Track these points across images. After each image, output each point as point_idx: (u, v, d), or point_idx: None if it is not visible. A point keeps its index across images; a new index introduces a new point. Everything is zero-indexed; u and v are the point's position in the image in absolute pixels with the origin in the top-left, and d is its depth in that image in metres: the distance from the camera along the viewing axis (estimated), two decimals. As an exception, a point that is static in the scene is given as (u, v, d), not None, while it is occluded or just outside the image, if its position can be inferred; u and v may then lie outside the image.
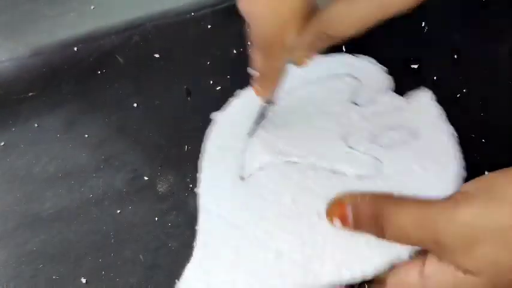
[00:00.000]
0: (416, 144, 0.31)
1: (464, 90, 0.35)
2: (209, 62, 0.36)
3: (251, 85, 0.30)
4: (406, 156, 0.31)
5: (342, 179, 0.31)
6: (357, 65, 0.35)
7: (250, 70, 0.30)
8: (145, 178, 0.34)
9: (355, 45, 0.36)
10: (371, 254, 0.28)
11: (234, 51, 0.37)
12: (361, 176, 0.31)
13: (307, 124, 0.32)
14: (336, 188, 0.30)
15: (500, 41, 0.36)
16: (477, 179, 0.27)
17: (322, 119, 0.33)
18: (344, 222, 0.28)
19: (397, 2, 0.21)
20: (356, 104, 0.33)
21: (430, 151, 0.31)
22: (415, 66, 0.36)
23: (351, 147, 0.32)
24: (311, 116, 0.33)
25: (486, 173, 0.30)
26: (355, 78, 0.34)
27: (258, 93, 0.30)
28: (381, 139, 0.32)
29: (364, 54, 0.36)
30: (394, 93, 0.33)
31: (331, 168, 0.31)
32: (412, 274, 0.26)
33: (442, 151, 0.31)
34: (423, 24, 0.36)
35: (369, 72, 0.34)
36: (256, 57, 0.28)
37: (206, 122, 0.34)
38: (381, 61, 0.35)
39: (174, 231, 0.33)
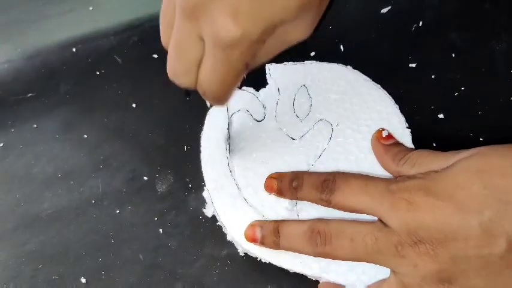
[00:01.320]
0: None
1: (462, 89, 0.35)
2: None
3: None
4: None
5: None
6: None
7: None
8: (145, 178, 0.34)
9: (353, 45, 0.36)
10: None
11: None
12: None
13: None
14: None
15: (497, 39, 0.36)
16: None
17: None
18: (254, 241, 0.30)
19: (296, 36, 0.23)
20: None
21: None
22: (413, 65, 0.36)
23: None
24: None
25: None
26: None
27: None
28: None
29: (363, 53, 0.36)
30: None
31: None
32: None
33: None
34: (421, 24, 0.37)
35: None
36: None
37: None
38: (379, 60, 0.36)
39: (174, 231, 0.33)
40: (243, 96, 0.34)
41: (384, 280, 0.27)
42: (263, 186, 0.31)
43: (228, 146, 0.33)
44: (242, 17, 0.20)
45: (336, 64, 0.34)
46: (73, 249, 0.33)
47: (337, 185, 0.28)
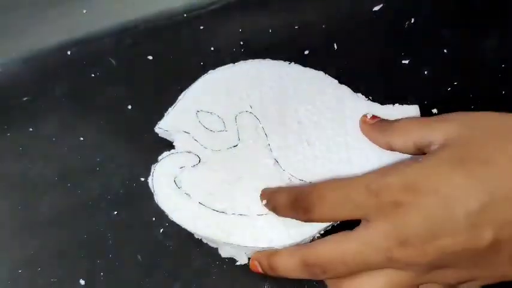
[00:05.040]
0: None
1: (454, 84, 0.35)
2: (202, 63, 0.36)
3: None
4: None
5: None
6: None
7: None
8: (141, 179, 0.34)
9: (346, 43, 0.36)
10: None
11: (227, 52, 0.37)
12: None
13: None
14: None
15: (489, 35, 0.36)
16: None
17: None
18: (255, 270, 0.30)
19: None
20: None
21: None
22: (406, 62, 0.36)
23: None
24: None
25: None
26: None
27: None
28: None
29: (356, 50, 0.36)
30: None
31: None
32: None
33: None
34: (413, 20, 0.37)
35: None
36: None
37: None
38: (372, 57, 0.36)
39: (172, 231, 0.33)
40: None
41: (371, 273, 0.26)
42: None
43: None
44: None
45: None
46: (71, 252, 0.33)
47: (311, 203, 0.27)
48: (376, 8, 0.37)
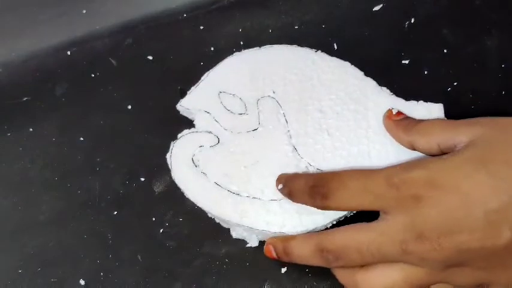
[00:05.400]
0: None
1: (454, 84, 0.35)
2: (202, 62, 0.36)
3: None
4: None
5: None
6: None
7: None
8: (142, 179, 0.34)
9: (346, 43, 0.36)
10: None
11: (227, 52, 0.37)
12: None
13: None
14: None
15: (488, 35, 0.36)
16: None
17: None
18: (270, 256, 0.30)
19: None
20: None
21: None
22: (406, 62, 0.36)
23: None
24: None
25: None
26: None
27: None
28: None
29: (356, 50, 0.36)
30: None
31: None
32: None
33: None
34: (413, 20, 0.37)
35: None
36: None
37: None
38: (372, 57, 0.36)
39: (172, 231, 0.33)
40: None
41: (386, 266, 0.26)
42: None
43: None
44: None
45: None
46: (71, 252, 0.33)
47: (331, 189, 0.27)
48: (376, 8, 0.37)
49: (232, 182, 0.31)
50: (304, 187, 0.28)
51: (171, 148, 0.32)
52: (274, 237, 0.30)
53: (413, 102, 0.32)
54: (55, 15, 0.39)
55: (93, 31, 0.38)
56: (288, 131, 0.32)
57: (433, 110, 0.31)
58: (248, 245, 0.32)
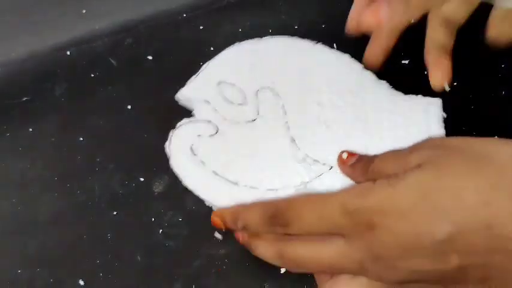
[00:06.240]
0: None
1: (454, 84, 0.35)
2: (202, 62, 0.36)
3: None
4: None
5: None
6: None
7: None
8: (141, 179, 0.34)
9: (346, 43, 0.36)
10: None
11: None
12: None
13: None
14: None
15: (489, 35, 0.36)
16: None
17: None
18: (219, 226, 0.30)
19: None
20: None
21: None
22: (406, 62, 0.36)
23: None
24: None
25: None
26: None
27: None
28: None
29: (356, 50, 0.36)
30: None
31: None
32: None
33: None
34: (412, 20, 0.37)
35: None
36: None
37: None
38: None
39: (171, 231, 0.33)
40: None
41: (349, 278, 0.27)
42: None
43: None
44: None
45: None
46: (71, 252, 0.33)
47: (289, 220, 0.27)
48: (376, 8, 0.37)
49: (230, 171, 0.31)
50: (262, 219, 0.28)
51: (170, 136, 0.32)
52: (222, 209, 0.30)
53: (412, 96, 0.32)
54: (54, 15, 0.39)
55: (93, 31, 0.38)
56: (286, 122, 0.32)
57: (432, 104, 0.31)
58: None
